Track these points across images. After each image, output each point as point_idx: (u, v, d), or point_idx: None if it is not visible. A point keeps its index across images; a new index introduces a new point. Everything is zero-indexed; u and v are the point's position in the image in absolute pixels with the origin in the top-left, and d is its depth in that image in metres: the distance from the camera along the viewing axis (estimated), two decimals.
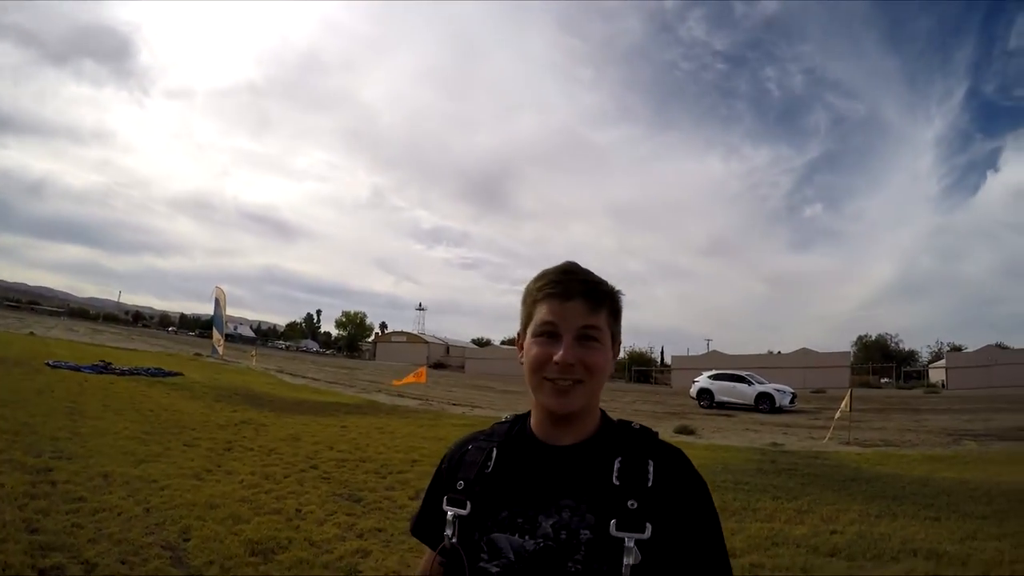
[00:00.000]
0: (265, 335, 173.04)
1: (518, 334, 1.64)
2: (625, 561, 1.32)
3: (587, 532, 1.37)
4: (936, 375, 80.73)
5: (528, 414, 1.64)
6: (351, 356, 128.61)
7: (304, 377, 36.69)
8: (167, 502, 6.91)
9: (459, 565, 1.45)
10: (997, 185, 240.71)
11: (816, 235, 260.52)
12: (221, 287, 46.72)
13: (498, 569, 1.41)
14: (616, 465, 1.46)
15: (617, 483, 1.42)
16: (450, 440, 6.99)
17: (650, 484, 1.43)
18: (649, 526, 1.36)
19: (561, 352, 1.45)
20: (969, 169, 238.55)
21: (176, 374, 23.76)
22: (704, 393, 33.48)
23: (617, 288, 1.61)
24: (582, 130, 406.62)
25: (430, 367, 50.06)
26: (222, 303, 45.95)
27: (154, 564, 5.15)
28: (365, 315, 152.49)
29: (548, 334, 1.49)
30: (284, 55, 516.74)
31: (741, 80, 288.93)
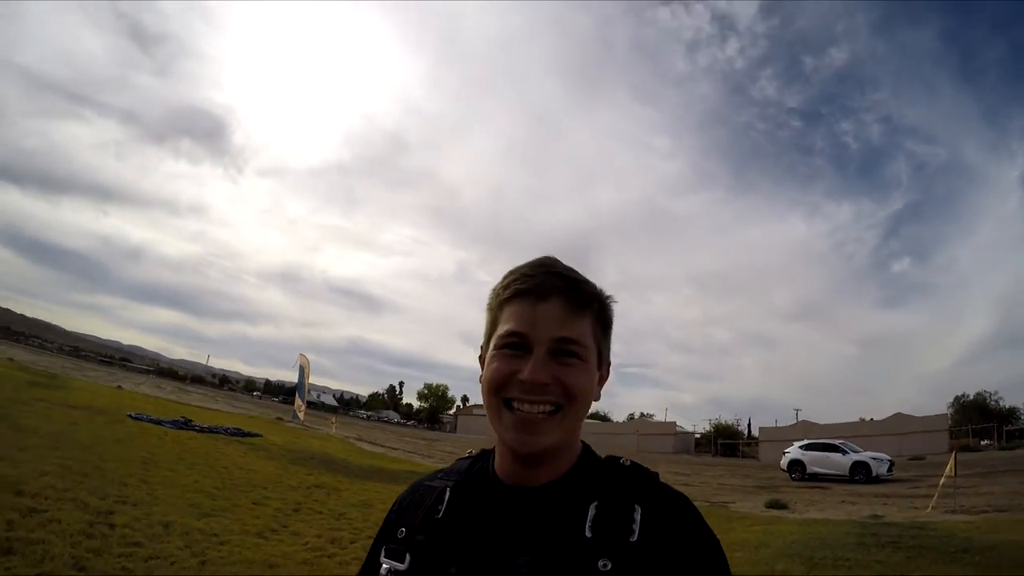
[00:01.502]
0: (347, 404, 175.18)
1: (480, 347, 1.28)
2: None
3: None
4: None
5: (493, 450, 1.29)
6: (431, 428, 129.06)
7: (383, 446, 36.53)
8: (225, 557, 6.62)
9: None
10: None
11: (906, 290, 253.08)
12: (305, 355, 47.42)
13: None
14: (591, 512, 1.09)
15: (589, 535, 1.06)
16: None
17: (634, 539, 1.05)
18: None
19: (528, 367, 1.11)
20: None
21: (255, 435, 23.65)
22: (795, 465, 31.82)
23: (608, 294, 1.25)
24: (661, 199, 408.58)
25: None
26: (306, 370, 46.61)
27: None
28: (447, 388, 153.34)
29: (514, 345, 1.15)
30: (370, 135, 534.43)
31: (817, 136, 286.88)
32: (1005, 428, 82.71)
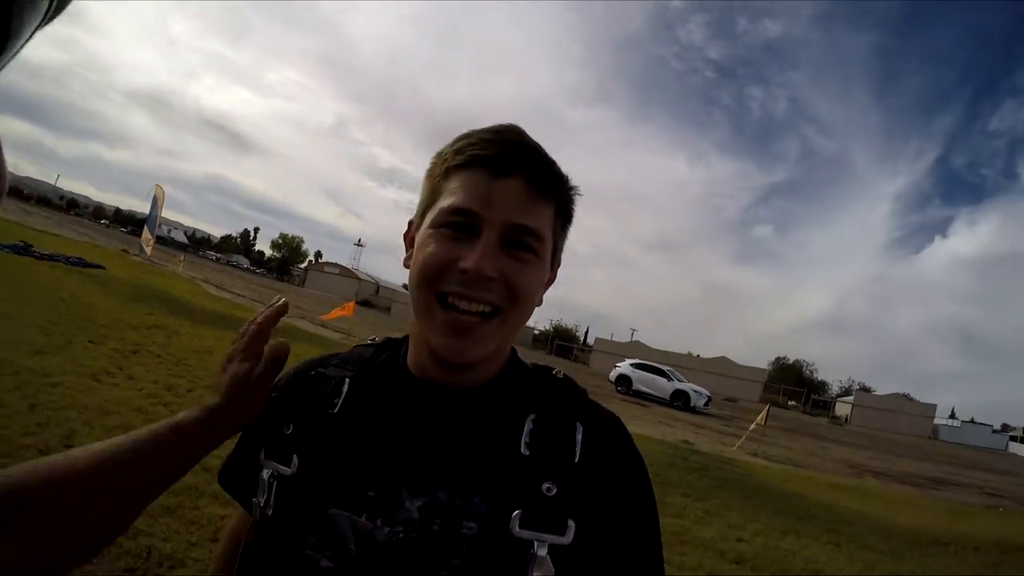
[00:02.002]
0: (198, 243, 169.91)
1: (409, 223, 1.06)
2: (536, 574, 0.82)
3: (472, 525, 0.85)
4: (842, 409, 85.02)
5: (404, 340, 1.09)
6: (281, 279, 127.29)
7: (229, 291, 35.70)
8: (56, 401, 6.34)
9: (274, 548, 0.91)
10: (942, 251, 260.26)
11: (760, 254, 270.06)
12: (161, 186, 45.02)
13: (330, 564, 0.86)
14: (528, 426, 0.93)
15: (527, 453, 0.91)
16: None
17: (576, 460, 0.91)
18: (572, 525, 0.86)
19: (474, 254, 0.88)
20: (920, 229, 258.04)
21: (98, 267, 22.56)
22: (623, 379, 33.42)
23: (574, 185, 1.02)
24: (558, 104, 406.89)
25: (357, 303, 49.38)
26: (159, 202, 43.92)
27: None
28: (302, 240, 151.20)
29: (457, 225, 0.91)
30: None
31: (726, 92, 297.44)
32: (812, 396, 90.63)
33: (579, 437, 0.94)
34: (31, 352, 8.02)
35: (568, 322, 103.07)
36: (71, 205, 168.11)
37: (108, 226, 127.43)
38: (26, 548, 0.76)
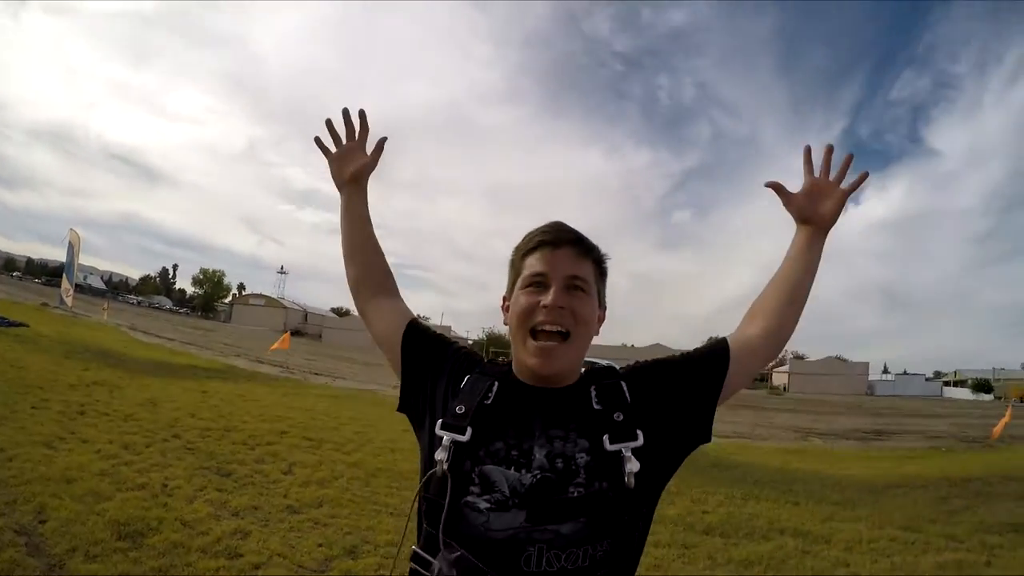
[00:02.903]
0: (117, 288, 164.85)
1: (503, 298, 1.65)
2: (628, 469, 1.33)
3: (583, 455, 1.38)
4: (779, 379, 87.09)
5: (511, 363, 1.61)
6: (206, 316, 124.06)
7: (158, 336, 34.61)
8: (16, 476, 6.14)
9: (443, 495, 1.35)
10: (856, 216, 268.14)
11: (682, 239, 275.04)
12: (76, 231, 42.81)
13: (489, 504, 1.33)
14: (593, 393, 1.48)
15: (598, 407, 1.45)
16: (317, 412, 6.71)
17: (628, 400, 1.46)
18: (640, 433, 1.39)
19: (551, 295, 1.45)
20: None
21: (21, 324, 21.52)
22: None
23: (604, 252, 1.62)
24: (470, 106, 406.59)
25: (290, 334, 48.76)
26: (76, 248, 41.72)
27: (8, 553, 4.45)
28: (224, 274, 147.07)
29: (537, 284, 1.50)
30: None
31: (635, 83, 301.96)
32: None
33: (625, 389, 1.49)
34: None
35: (500, 329, 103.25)
36: None
37: (21, 278, 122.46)
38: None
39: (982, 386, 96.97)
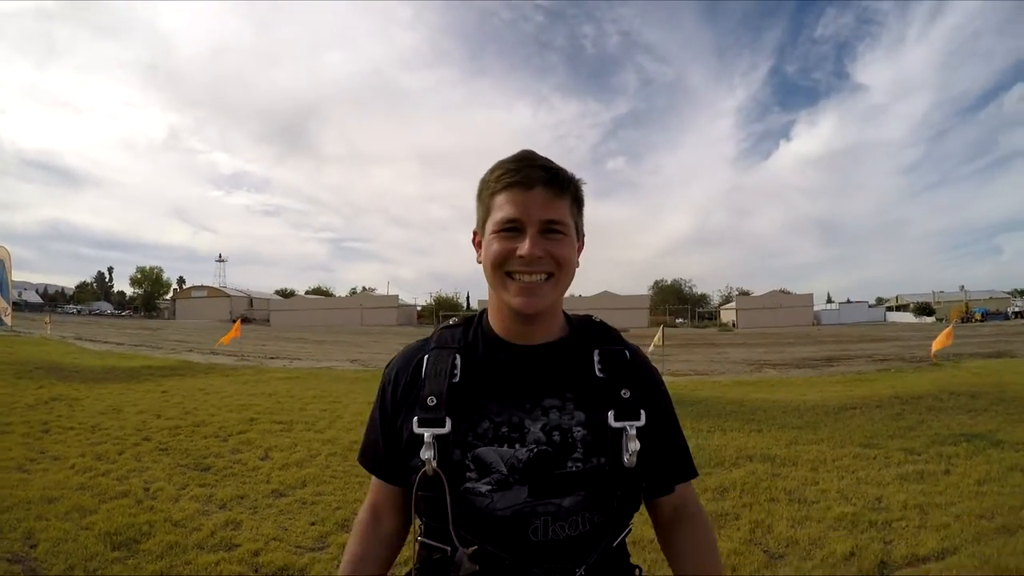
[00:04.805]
0: (53, 299, 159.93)
1: (474, 232, 1.52)
2: (631, 447, 1.30)
3: (580, 429, 1.34)
4: (727, 316, 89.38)
5: (481, 315, 1.54)
6: (149, 316, 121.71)
7: (106, 342, 33.83)
8: None
9: (440, 490, 1.29)
10: (788, 153, 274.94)
11: (618, 186, 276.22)
12: (4, 246, 41.64)
13: (489, 486, 1.30)
14: (596, 357, 1.43)
15: (602, 376, 1.40)
16: (281, 395, 6.74)
17: (632, 373, 1.43)
18: (643, 413, 1.36)
19: (527, 245, 1.33)
20: (764, 137, 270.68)
21: None
22: None
23: (577, 176, 1.47)
24: (394, 72, 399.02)
25: (232, 321, 48.12)
26: (7, 265, 40.84)
27: None
28: (162, 270, 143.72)
29: (509, 229, 1.36)
30: None
31: (558, 34, 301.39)
32: (697, 310, 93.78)
33: (628, 358, 1.46)
34: None
35: (448, 291, 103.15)
36: None
37: None
38: None
39: (924, 309, 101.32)
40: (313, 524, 5.68)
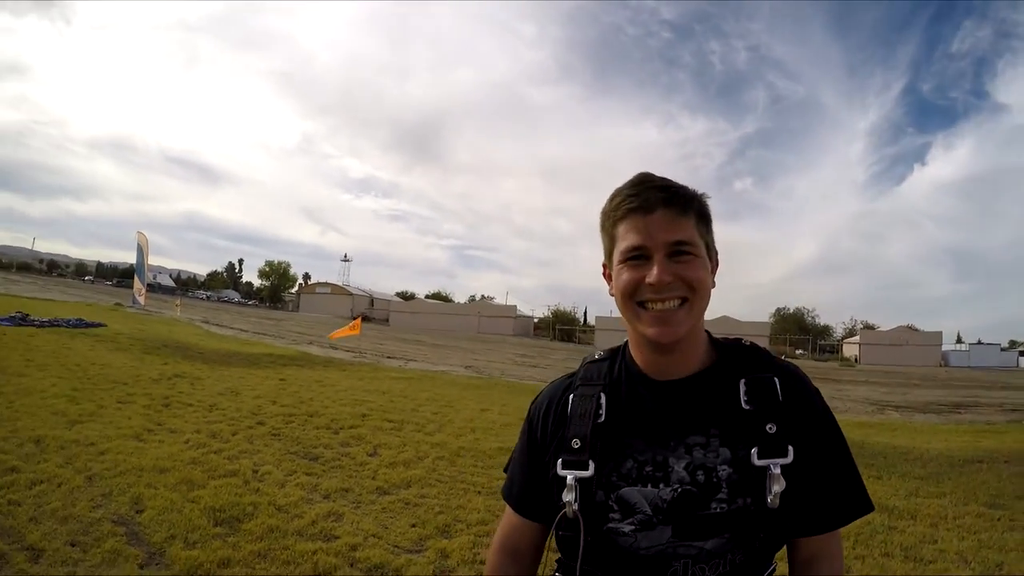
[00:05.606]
0: (185, 284, 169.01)
1: (603, 265, 1.45)
2: (774, 489, 1.21)
3: (725, 467, 1.25)
4: (849, 350, 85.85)
5: (625, 347, 1.45)
6: (274, 307, 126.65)
7: (231, 328, 35.41)
8: (110, 468, 6.19)
9: (578, 531, 1.27)
10: (923, 178, 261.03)
11: (744, 208, 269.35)
12: (143, 233, 44.41)
13: (633, 526, 1.26)
14: (742, 387, 1.31)
15: (748, 408, 1.29)
16: (394, 394, 6.46)
17: (781, 401, 1.30)
18: (791, 449, 1.25)
19: (655, 272, 1.26)
20: (898, 160, 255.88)
21: (99, 324, 22.34)
22: None
23: (701, 192, 1.38)
24: (521, 87, 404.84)
25: (352, 319, 49.45)
26: (144, 250, 43.30)
27: (109, 543, 4.46)
28: (289, 265, 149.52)
29: (635, 257, 1.30)
30: None
31: (685, 51, 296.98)
32: (818, 342, 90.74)
33: (778, 387, 1.31)
34: (67, 423, 7.90)
35: (565, 305, 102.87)
36: (52, 267, 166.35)
37: (93, 282, 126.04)
38: None
39: None
40: (413, 526, 5.51)
